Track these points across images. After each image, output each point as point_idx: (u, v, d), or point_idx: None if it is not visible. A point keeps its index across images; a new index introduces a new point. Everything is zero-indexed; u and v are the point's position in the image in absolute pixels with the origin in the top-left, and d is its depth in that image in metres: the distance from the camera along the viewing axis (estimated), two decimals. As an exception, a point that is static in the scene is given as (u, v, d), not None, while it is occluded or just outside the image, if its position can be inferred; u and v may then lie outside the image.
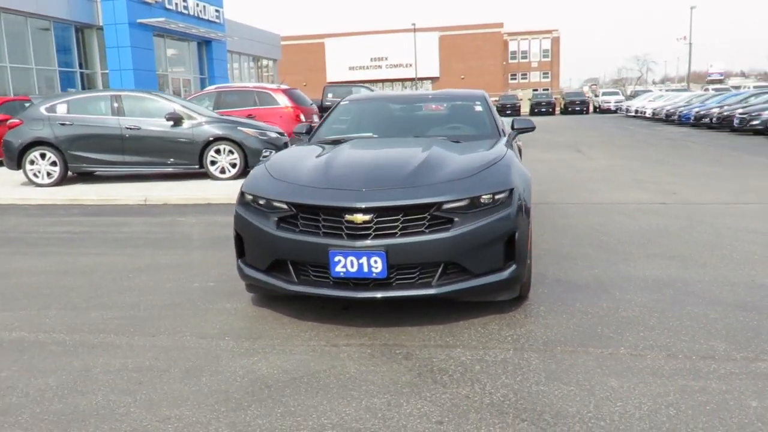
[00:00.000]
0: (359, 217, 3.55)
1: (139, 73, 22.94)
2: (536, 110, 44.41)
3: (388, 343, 3.54)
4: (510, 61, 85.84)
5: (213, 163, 10.39)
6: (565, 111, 44.81)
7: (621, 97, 48.15)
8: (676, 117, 28.34)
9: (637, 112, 35.71)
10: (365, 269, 3.53)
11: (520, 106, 50.30)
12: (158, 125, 10.30)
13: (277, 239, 3.72)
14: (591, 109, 46.19)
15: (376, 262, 3.51)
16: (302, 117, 13.88)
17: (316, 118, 14.80)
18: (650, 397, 2.83)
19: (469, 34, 78.55)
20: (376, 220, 3.56)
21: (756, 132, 20.19)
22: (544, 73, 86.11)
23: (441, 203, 3.60)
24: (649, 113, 33.66)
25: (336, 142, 5.03)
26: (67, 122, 10.29)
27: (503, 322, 3.80)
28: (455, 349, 3.43)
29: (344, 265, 3.55)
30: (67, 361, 3.44)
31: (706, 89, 47.60)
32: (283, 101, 13.93)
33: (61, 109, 10.40)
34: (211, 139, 10.31)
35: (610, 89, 61.40)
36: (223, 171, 10.40)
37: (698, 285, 4.39)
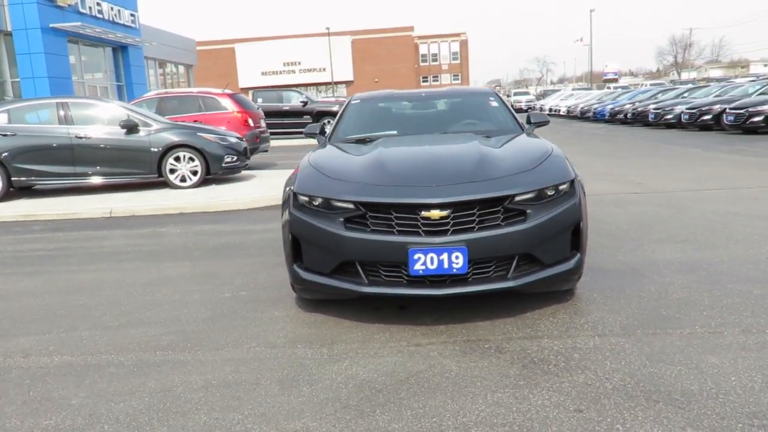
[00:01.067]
0: (436, 213, 3.51)
1: (54, 81, 21.51)
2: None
3: (470, 339, 3.51)
4: (421, 63, 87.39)
5: (172, 171, 9.93)
6: (481, 111, 46.05)
7: (532, 97, 50.20)
8: (591, 114, 29.86)
9: (551, 110, 37.30)
10: (445, 265, 3.49)
11: (437, 107, 51.31)
12: (111, 133, 9.73)
13: (347, 240, 3.60)
14: (504, 108, 47.73)
15: (457, 257, 3.48)
16: (251, 122, 13.52)
17: (263, 123, 14.46)
18: (757, 369, 2.95)
19: (381, 38, 79.39)
20: (452, 215, 3.52)
21: (668, 125, 21.66)
22: (454, 75, 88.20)
23: (514, 196, 3.61)
24: (563, 111, 35.29)
25: (362, 141, 4.95)
26: (9, 133, 9.51)
27: (569, 311, 3.86)
28: (542, 340, 3.45)
29: (423, 262, 3.49)
30: (140, 382, 3.18)
31: (608, 87, 50.41)
32: (230, 106, 13.51)
33: (1, 119, 9.60)
34: (170, 146, 9.85)
35: (520, 90, 63.78)
36: (183, 179, 9.96)
37: (723, 265, 4.64)
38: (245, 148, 10.70)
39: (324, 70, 74.63)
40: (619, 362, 3.12)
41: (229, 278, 4.99)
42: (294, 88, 29.36)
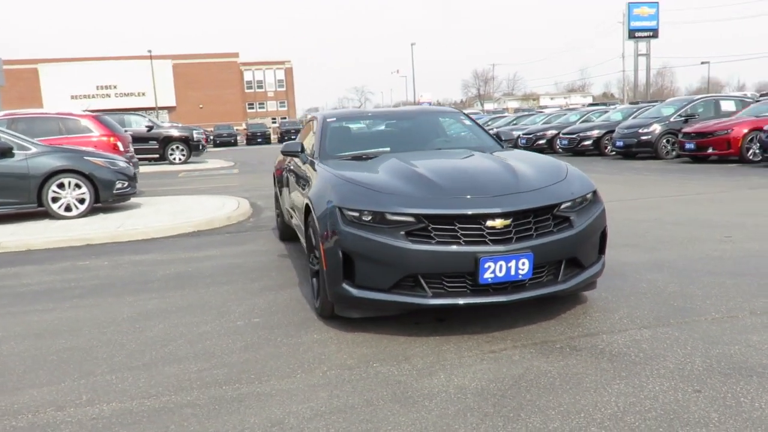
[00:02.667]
0: (501, 222, 3.63)
1: None
2: (286, 138, 46.54)
3: (536, 342, 3.66)
4: (247, 90, 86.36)
5: (55, 200, 8.84)
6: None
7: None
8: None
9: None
10: (512, 272, 3.62)
11: (270, 133, 51.36)
12: (-21, 158, 8.43)
13: (412, 253, 3.58)
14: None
15: (524, 264, 3.63)
16: (120, 146, 12.47)
17: (131, 148, 13.40)
18: (796, 341, 3.47)
19: (205, 63, 77.30)
20: (513, 223, 3.68)
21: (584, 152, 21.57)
22: (280, 103, 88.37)
23: (561, 204, 3.87)
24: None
25: (358, 158, 4.91)
26: None
27: (597, 309, 4.17)
28: (602, 336, 3.70)
29: (493, 270, 3.59)
30: (238, 420, 2.88)
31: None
32: (95, 129, 12.34)
33: None
34: (52, 171, 8.78)
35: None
36: (68, 208, 8.91)
37: (680, 263, 5.29)
38: (135, 173, 9.87)
39: (144, 94, 70.70)
40: (685, 348, 3.46)
41: (223, 307, 4.63)
42: (137, 112, 27.50)
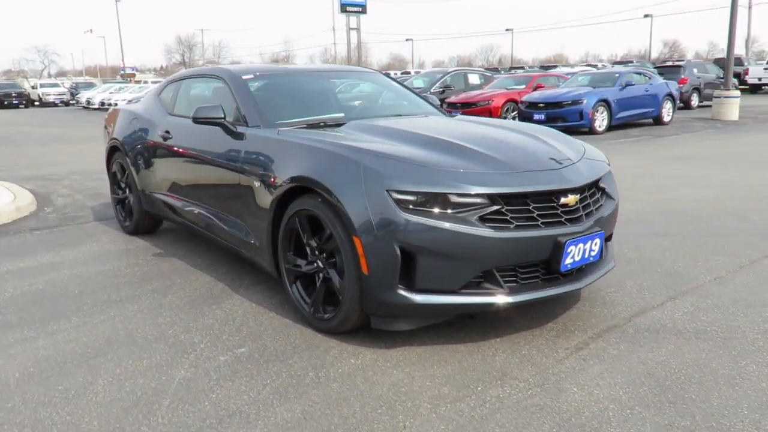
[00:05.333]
0: (573, 199, 3.16)
1: None
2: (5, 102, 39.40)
3: (597, 335, 3.30)
4: None
5: None
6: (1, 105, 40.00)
7: (63, 89, 45.40)
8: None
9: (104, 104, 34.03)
10: (586, 254, 3.20)
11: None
12: None
13: (494, 243, 2.91)
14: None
15: (596, 244, 3.23)
16: None
17: None
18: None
19: None
20: (579, 199, 3.23)
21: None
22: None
23: (605, 175, 3.55)
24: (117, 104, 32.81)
25: (315, 126, 3.90)
26: None
27: (617, 287, 3.95)
28: (651, 313, 3.49)
29: (572, 255, 3.12)
30: None
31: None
32: None
33: None
34: None
35: (49, 81, 56.67)
36: None
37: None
38: None
39: None
40: (738, 314, 3.44)
41: (171, 338, 3.30)
42: None
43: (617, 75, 15.15)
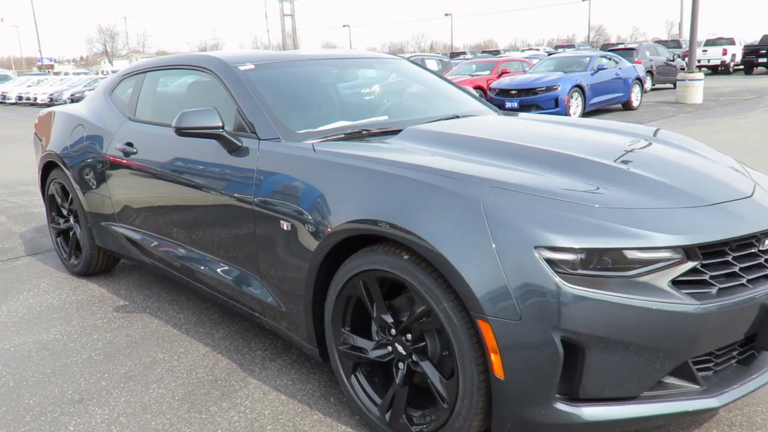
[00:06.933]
0: (772, 243, 2.14)
1: None
2: None
3: None
4: None
5: None
6: None
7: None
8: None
9: (23, 99, 31.14)
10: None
11: None
12: None
13: (698, 320, 1.87)
14: None
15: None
16: None
17: None
18: None
19: None
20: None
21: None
22: None
23: None
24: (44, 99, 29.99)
25: (356, 137, 2.75)
26: None
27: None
28: None
29: (777, 324, 2.11)
30: None
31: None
32: None
33: None
34: None
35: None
36: None
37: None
38: None
39: None
40: None
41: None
42: None
43: (588, 59, 14.46)
